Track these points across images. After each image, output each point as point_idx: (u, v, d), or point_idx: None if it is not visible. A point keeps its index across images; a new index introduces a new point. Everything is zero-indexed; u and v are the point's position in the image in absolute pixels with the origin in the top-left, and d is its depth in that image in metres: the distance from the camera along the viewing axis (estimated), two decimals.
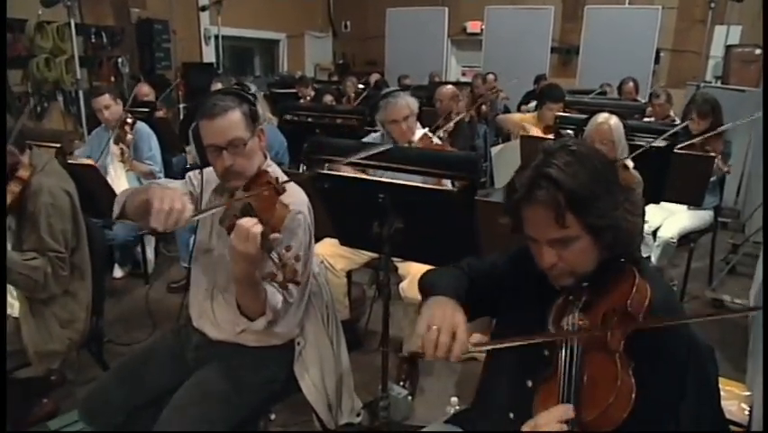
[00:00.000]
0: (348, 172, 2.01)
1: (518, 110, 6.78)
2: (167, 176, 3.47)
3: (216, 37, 7.06)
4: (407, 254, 1.90)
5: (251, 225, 1.21)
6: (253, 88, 2.91)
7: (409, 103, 2.54)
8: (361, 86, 6.48)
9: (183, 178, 1.70)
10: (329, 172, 1.74)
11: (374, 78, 7.09)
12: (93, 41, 5.85)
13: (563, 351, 1.02)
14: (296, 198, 1.53)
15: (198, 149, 1.51)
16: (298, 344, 1.66)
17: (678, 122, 4.37)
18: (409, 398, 2.22)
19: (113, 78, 6.06)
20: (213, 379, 1.51)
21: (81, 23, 5.69)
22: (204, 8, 6.59)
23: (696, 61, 8.25)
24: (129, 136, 3.11)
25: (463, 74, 9.48)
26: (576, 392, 0.97)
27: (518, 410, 1.18)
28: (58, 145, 2.28)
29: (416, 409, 2.31)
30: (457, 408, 2.05)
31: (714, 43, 7.90)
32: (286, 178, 1.56)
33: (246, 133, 1.49)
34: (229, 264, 1.55)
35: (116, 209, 1.58)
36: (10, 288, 1.88)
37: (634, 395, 0.93)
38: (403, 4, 9.02)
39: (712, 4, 6.33)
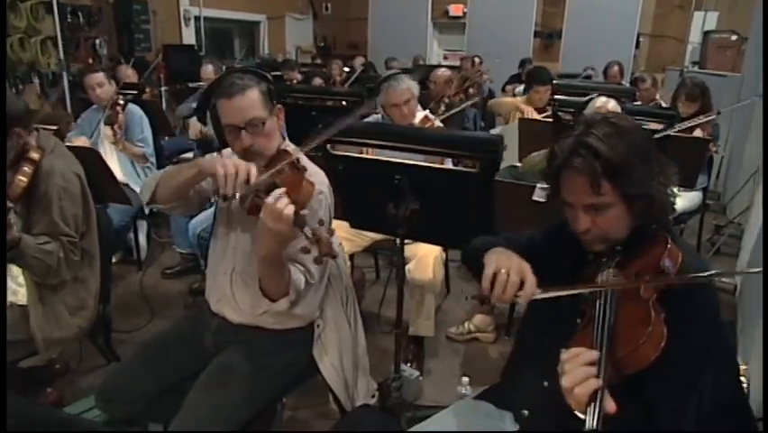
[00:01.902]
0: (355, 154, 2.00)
1: (503, 91, 6.83)
2: (158, 158, 3.40)
3: (197, 18, 6.88)
4: (423, 236, 1.90)
5: (283, 202, 1.19)
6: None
7: (410, 86, 2.53)
8: (346, 69, 6.42)
9: (172, 161, 1.69)
10: (345, 154, 1.72)
11: (358, 61, 7.02)
12: (69, 20, 5.64)
13: (598, 301, 1.04)
14: (317, 177, 1.52)
15: (216, 129, 1.48)
16: (318, 326, 1.65)
17: (664, 105, 4.47)
18: (420, 378, 2.24)
19: (90, 60, 5.86)
20: (236, 362, 1.49)
21: (57, 1, 5.49)
22: None
23: (674, 47, 8.40)
24: (120, 117, 3.03)
25: (445, 57, 9.47)
26: (609, 335, 0.99)
27: (552, 378, 1.21)
28: (54, 128, 2.20)
29: (424, 389, 2.33)
30: (468, 388, 2.08)
31: (691, 29, 8.07)
32: (305, 158, 1.54)
33: (265, 112, 1.46)
34: (248, 246, 1.54)
35: (146, 195, 1.55)
36: (13, 274, 1.83)
37: (664, 342, 0.97)
38: None
39: None
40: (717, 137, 3.27)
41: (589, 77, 5.79)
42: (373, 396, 1.92)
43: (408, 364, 2.38)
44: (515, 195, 1.68)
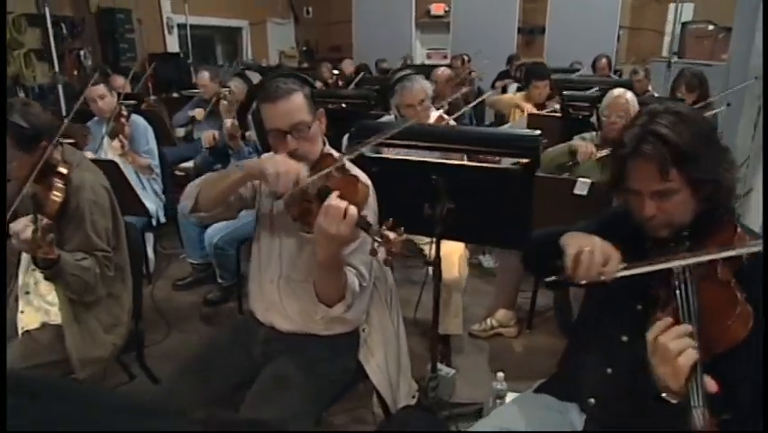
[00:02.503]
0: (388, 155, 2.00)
1: (492, 88, 6.88)
2: (162, 169, 3.35)
3: (183, 26, 6.80)
4: (460, 235, 1.91)
5: (344, 205, 1.18)
6: (256, 80, 2.84)
7: (424, 86, 2.54)
8: (335, 72, 6.39)
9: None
10: (378, 156, 1.72)
11: (346, 63, 7.00)
12: (53, 32, 5.51)
13: (677, 284, 1.06)
14: (364, 179, 1.51)
15: (259, 134, 1.47)
16: (363, 330, 1.64)
17: (656, 96, 4.55)
18: (455, 376, 2.24)
19: (75, 72, 5.76)
20: (291, 372, 1.47)
21: (38, 13, 5.37)
22: None
23: (652, 38, 8.57)
24: (127, 129, 2.97)
25: (428, 57, 9.50)
26: (698, 315, 1.01)
27: (615, 365, 1.24)
28: (70, 141, 2.14)
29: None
30: (504, 383, 2.09)
31: (668, 20, 8.24)
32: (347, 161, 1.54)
33: (309, 116, 1.46)
34: (294, 252, 1.52)
35: (189, 204, 1.53)
36: (42, 292, 1.78)
37: (752, 321, 0.99)
38: None
39: None
40: (716, 126, 3.34)
41: (577, 71, 5.87)
42: (414, 396, 1.92)
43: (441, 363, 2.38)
44: (555, 189, 1.70)
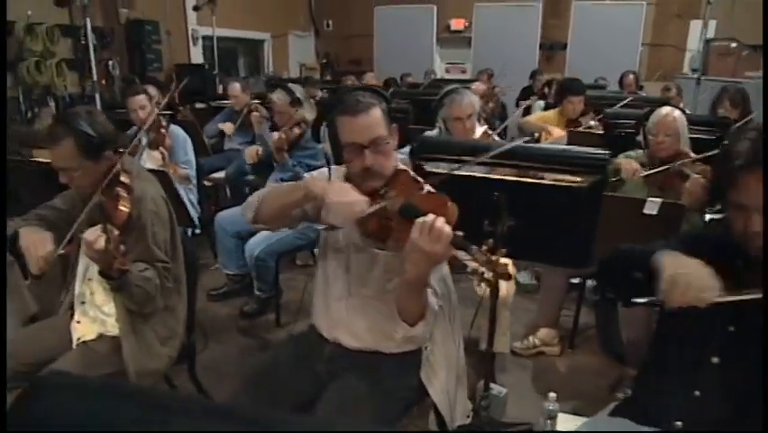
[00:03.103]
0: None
1: (516, 106, 6.87)
2: (197, 179, 3.36)
3: (210, 38, 6.87)
4: (520, 253, 1.88)
5: (442, 223, 1.16)
6: (298, 92, 2.85)
7: (473, 101, 2.53)
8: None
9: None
10: (438, 171, 1.70)
11: (369, 77, 7.03)
12: (83, 42, 5.58)
13: None
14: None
15: (334, 146, 1.45)
16: (426, 348, 1.61)
17: (688, 112, 4.51)
18: (506, 395, 2.20)
19: (104, 82, 5.81)
20: (359, 389, 1.44)
21: (71, 23, 5.45)
22: (197, 8, 6.39)
23: (673, 55, 8.54)
24: (168, 140, 2.98)
25: (447, 71, 9.53)
26: None
27: (704, 387, 1.20)
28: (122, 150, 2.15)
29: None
30: (556, 404, 2.05)
31: (689, 37, 8.23)
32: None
33: (387, 131, 1.44)
34: (364, 269, 1.50)
35: (249, 215, 1.51)
36: (97, 303, 1.77)
37: None
38: (386, 3, 9.01)
39: None
40: None
41: (602, 87, 5.86)
42: (468, 416, 1.88)
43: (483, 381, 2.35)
44: (623, 208, 1.67)
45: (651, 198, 1.60)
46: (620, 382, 2.34)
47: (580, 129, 3.35)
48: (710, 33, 7.94)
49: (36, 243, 1.57)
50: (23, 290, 2.18)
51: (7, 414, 0.51)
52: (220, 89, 6.85)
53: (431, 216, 1.17)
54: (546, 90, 6.19)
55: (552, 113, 4.05)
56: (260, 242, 2.69)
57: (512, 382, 2.48)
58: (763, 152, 1.08)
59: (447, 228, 1.16)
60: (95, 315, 1.78)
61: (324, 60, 9.86)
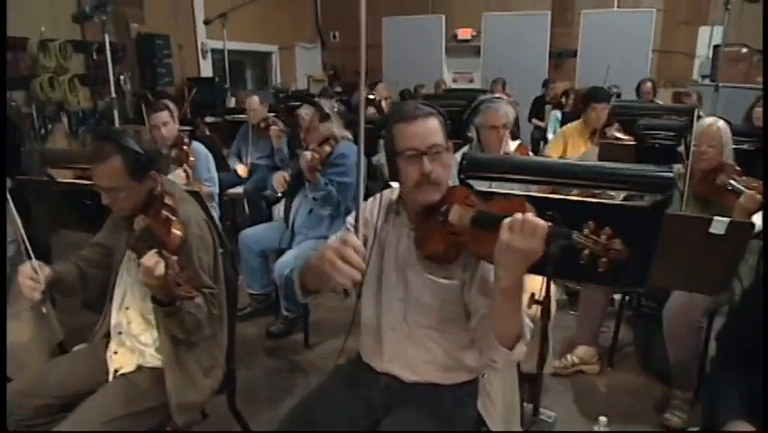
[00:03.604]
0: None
1: (529, 120, 6.83)
2: (219, 196, 3.31)
3: (219, 51, 6.85)
4: (571, 274, 1.82)
5: (531, 216, 1.09)
6: (327, 107, 2.79)
7: (508, 111, 2.48)
8: (371, 96, 6.38)
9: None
10: (488, 190, 1.65)
11: (380, 87, 6.99)
12: (95, 58, 5.56)
13: None
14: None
15: (389, 159, 1.39)
16: (483, 376, 1.54)
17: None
18: (556, 420, 2.13)
19: (115, 96, 5.76)
20: (418, 424, 1.37)
21: (83, 39, 5.42)
22: (208, 22, 6.36)
23: (682, 61, 8.51)
24: (192, 157, 2.92)
25: (454, 81, 9.51)
26: None
27: None
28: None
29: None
30: (606, 427, 1.97)
31: (698, 43, 8.20)
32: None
33: (444, 142, 1.38)
34: (422, 295, 1.43)
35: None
36: (134, 332, 1.70)
37: None
38: (392, 13, 8.99)
39: None
40: None
41: (618, 95, 5.80)
42: None
43: (524, 403, 2.27)
44: (687, 228, 1.60)
45: (718, 218, 1.53)
46: (668, 404, 2.26)
47: (612, 141, 3.27)
48: (717, 39, 7.93)
49: (24, 273, 1.54)
50: (52, 319, 2.11)
51: None
52: (230, 102, 6.83)
53: (518, 214, 1.10)
54: (563, 100, 6.14)
55: (574, 125, 3.98)
56: (289, 261, 2.62)
57: (553, 403, 2.40)
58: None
59: (541, 221, 1.09)
60: (132, 345, 1.71)
61: (332, 72, 9.84)
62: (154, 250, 1.36)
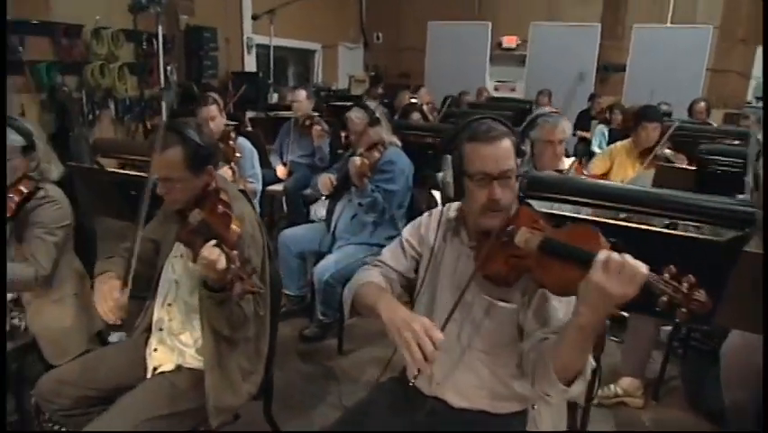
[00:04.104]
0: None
1: (573, 135, 6.65)
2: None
3: (264, 46, 6.89)
4: (630, 306, 1.72)
5: (632, 260, 0.99)
6: (378, 111, 2.74)
7: (566, 127, 2.40)
8: (413, 100, 6.31)
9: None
10: (564, 214, 1.56)
11: (422, 92, 6.91)
12: (145, 47, 5.65)
13: None
14: None
15: (456, 177, 1.33)
16: (533, 407, 1.46)
17: None
18: None
19: (164, 87, 5.85)
20: None
21: (134, 29, 5.51)
22: (256, 17, 6.41)
23: (737, 81, 8.19)
24: (238, 154, 2.91)
25: (496, 89, 9.37)
26: None
27: None
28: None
29: None
30: None
31: (755, 64, 7.89)
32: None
33: (515, 164, 1.31)
34: (481, 318, 1.36)
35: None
36: (175, 330, 1.68)
37: None
38: (437, 17, 8.92)
39: None
40: None
41: (669, 114, 5.60)
42: None
43: None
44: (759, 267, 1.49)
45: None
46: None
47: (668, 165, 3.13)
48: None
49: (105, 294, 1.52)
50: (93, 309, 2.11)
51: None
52: (272, 98, 6.86)
53: (613, 253, 1.01)
54: (608, 115, 5.97)
55: (624, 144, 3.83)
56: (329, 266, 2.58)
57: None
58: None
59: (642, 266, 1.00)
60: (172, 344, 1.68)
61: (373, 73, 9.82)
62: (213, 242, 1.33)
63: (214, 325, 1.53)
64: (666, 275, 1.00)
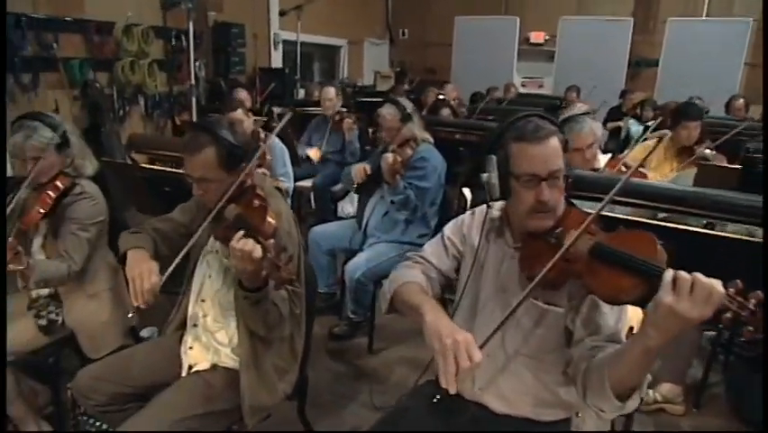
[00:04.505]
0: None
1: (604, 126, 6.49)
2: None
3: (290, 42, 6.89)
4: None
5: (705, 279, 0.93)
6: (409, 107, 2.69)
7: (594, 129, 2.27)
8: (440, 96, 6.25)
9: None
10: (611, 215, 1.50)
11: (449, 88, 6.83)
12: (174, 44, 5.69)
13: None
14: None
15: (502, 177, 1.28)
16: (577, 414, 1.41)
17: None
18: None
19: (194, 83, 5.89)
20: None
21: (164, 25, 5.56)
22: (283, 13, 6.41)
23: None
24: (268, 156, 2.89)
25: (523, 85, 9.22)
26: None
27: None
28: None
29: None
30: None
31: None
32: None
33: (563, 164, 1.26)
34: (530, 322, 1.31)
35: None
36: (211, 328, 1.67)
37: None
38: (464, 13, 8.81)
39: None
40: None
41: (707, 111, 5.43)
42: None
43: None
44: None
45: None
46: None
47: (711, 164, 3.02)
48: None
49: (143, 274, 1.46)
50: (128, 302, 2.12)
51: None
52: (298, 94, 6.86)
53: (680, 272, 0.95)
54: (639, 111, 5.82)
55: (654, 142, 3.71)
56: (360, 264, 2.55)
57: None
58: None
59: (716, 284, 0.93)
60: (207, 342, 1.67)
61: (398, 69, 9.76)
62: (241, 232, 1.30)
63: (249, 325, 1.51)
64: (731, 290, 0.94)
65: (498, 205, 1.41)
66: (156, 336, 2.46)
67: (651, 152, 3.27)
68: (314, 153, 4.07)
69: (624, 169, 2.47)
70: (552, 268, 1.22)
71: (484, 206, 1.47)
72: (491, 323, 1.36)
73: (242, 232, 1.31)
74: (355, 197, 4.63)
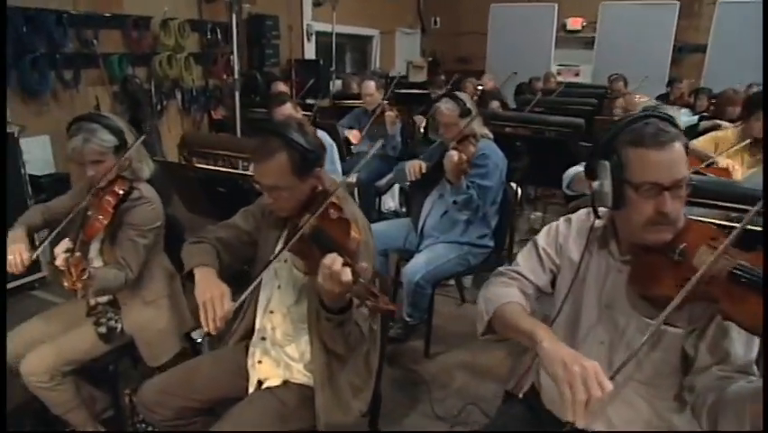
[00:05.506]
0: None
1: None
2: None
3: (323, 33, 6.79)
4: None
5: None
6: (468, 102, 2.56)
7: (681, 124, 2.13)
8: (479, 86, 6.08)
9: None
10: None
11: (486, 79, 6.65)
12: (209, 37, 5.64)
13: None
14: None
15: (617, 185, 1.14)
16: None
17: None
18: None
19: (225, 76, 5.84)
20: None
21: (199, 18, 5.51)
22: (318, 4, 6.30)
23: None
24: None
25: (559, 73, 8.94)
26: None
27: None
28: None
29: None
30: None
31: None
32: None
33: (687, 172, 1.13)
34: (649, 346, 1.19)
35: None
36: (281, 342, 1.58)
37: None
38: (499, 1, 8.58)
39: None
40: None
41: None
42: None
43: None
44: None
45: None
46: None
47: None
48: None
49: (215, 299, 1.36)
50: (185, 309, 2.06)
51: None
52: (334, 86, 6.75)
53: None
54: (693, 100, 5.55)
55: (728, 133, 3.49)
56: (419, 267, 2.44)
57: None
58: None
59: None
60: (278, 356, 1.59)
61: (431, 58, 9.58)
62: (333, 253, 1.19)
63: (328, 344, 1.41)
64: None
65: (606, 212, 1.28)
66: (205, 338, 2.40)
67: (732, 147, 3.05)
68: (354, 136, 3.96)
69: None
70: (675, 288, 1.09)
71: (581, 213, 1.36)
72: (594, 342, 1.25)
73: (333, 253, 1.20)
74: (396, 192, 4.54)
